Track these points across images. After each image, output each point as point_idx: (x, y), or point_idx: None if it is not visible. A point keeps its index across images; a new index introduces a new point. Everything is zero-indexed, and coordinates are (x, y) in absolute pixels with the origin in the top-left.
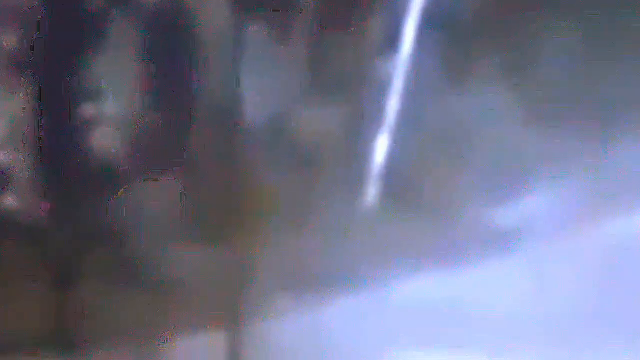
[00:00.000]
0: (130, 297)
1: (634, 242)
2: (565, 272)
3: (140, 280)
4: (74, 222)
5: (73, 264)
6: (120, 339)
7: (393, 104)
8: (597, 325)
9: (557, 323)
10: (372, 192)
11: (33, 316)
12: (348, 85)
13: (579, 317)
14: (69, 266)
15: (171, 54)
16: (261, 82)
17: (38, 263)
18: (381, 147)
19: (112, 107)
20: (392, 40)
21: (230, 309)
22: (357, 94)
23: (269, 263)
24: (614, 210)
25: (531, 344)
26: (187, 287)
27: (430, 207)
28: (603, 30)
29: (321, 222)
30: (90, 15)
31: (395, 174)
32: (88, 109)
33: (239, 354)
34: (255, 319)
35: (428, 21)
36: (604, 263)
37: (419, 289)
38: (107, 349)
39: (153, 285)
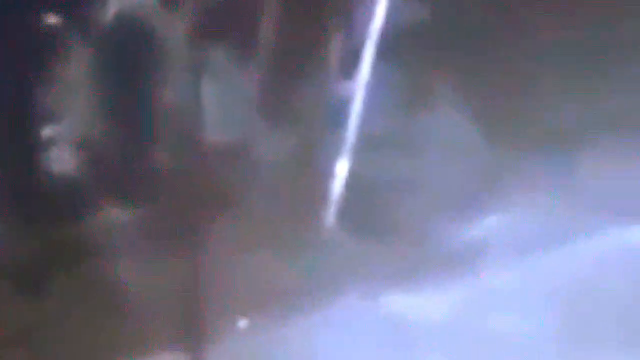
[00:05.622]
0: (90, 317)
1: (598, 263)
2: (529, 292)
3: (100, 300)
4: (34, 243)
5: (33, 284)
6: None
7: (352, 125)
8: (559, 347)
9: (520, 344)
10: (332, 213)
11: None
12: (308, 108)
13: (541, 339)
14: (29, 286)
15: (131, 74)
16: (221, 104)
17: None
18: (342, 168)
19: (71, 128)
20: (352, 63)
21: (191, 329)
22: (317, 116)
23: (230, 282)
24: (578, 230)
25: None
26: (148, 307)
27: (391, 228)
28: (566, 48)
29: (282, 243)
30: (47, 36)
31: (356, 195)
32: (46, 130)
33: None
34: (216, 339)
35: (387, 45)
36: (568, 283)
37: (380, 310)
38: None
39: (113, 306)
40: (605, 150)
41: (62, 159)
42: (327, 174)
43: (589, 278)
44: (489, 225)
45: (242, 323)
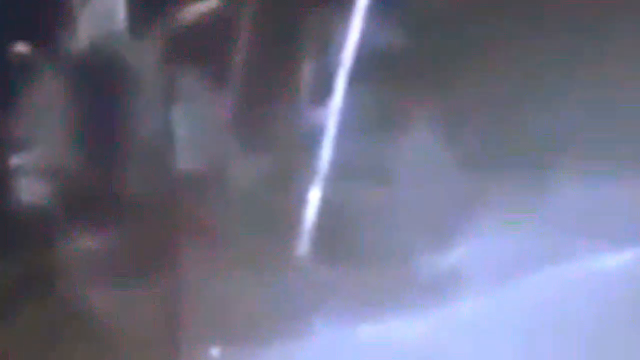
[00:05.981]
0: (61, 346)
1: (573, 289)
2: (505, 321)
3: (71, 328)
4: (3, 272)
5: (3, 313)
6: None
7: (325, 152)
8: None
9: None
10: (306, 240)
11: None
12: (281, 134)
13: None
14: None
15: (101, 102)
16: (193, 131)
17: None
18: (315, 195)
19: (41, 156)
20: (325, 89)
21: (164, 357)
22: (290, 143)
23: (203, 310)
24: (554, 257)
25: None
26: (120, 335)
27: (365, 256)
28: (539, 74)
29: (255, 271)
30: (16, 64)
31: (329, 222)
32: (15, 159)
33: None
34: None
35: (360, 69)
36: (544, 310)
37: (355, 337)
38: None
39: (85, 334)
40: (581, 177)
41: (32, 188)
42: (300, 201)
43: (565, 304)
44: (464, 251)
45: (216, 351)
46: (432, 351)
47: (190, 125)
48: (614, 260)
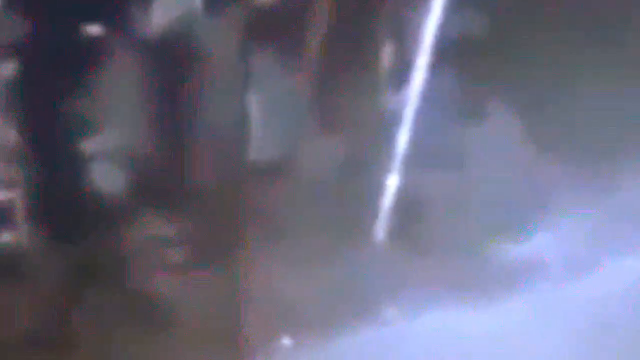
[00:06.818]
0: (129, 329)
1: None
2: (574, 312)
3: (139, 314)
4: (72, 257)
5: (70, 300)
6: None
7: (403, 139)
8: None
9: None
10: (381, 228)
11: (30, 351)
12: (359, 120)
13: (590, 355)
14: (66, 302)
15: (177, 85)
16: (268, 116)
17: (34, 299)
18: (391, 182)
19: (113, 140)
20: (403, 75)
21: (232, 346)
22: (367, 129)
23: (273, 299)
24: (625, 249)
25: None
26: (188, 322)
27: (441, 243)
28: (618, 68)
29: (329, 258)
30: (91, 47)
31: (405, 210)
32: (89, 142)
33: None
34: (259, 358)
35: (438, 55)
36: (614, 302)
37: (429, 325)
38: None
39: (151, 320)
40: None
41: (104, 173)
42: (377, 188)
43: (636, 296)
44: (538, 241)
45: (286, 341)
46: (505, 338)
47: (266, 110)
48: None
